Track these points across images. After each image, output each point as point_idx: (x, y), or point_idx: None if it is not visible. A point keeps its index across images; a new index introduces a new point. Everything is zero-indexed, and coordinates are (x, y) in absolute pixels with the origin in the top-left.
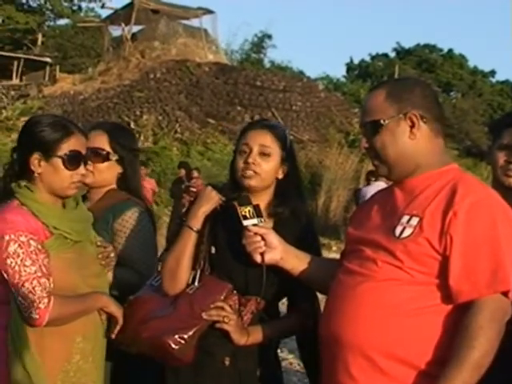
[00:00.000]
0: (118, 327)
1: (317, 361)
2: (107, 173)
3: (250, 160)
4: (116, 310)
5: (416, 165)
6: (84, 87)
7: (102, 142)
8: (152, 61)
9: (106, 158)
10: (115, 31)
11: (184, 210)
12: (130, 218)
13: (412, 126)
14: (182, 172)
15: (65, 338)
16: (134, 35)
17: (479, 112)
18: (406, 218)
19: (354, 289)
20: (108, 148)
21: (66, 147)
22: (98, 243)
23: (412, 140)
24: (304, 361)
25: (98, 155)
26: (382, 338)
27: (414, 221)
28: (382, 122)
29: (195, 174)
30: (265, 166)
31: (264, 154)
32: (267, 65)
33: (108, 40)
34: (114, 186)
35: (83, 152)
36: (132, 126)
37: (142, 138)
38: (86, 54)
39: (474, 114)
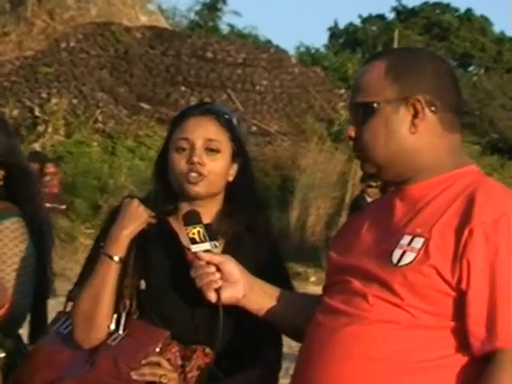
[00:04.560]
0: None
1: None
2: None
3: (195, 159)
4: None
5: (417, 167)
6: None
7: None
8: (64, 24)
9: None
10: None
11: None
12: (6, 229)
13: (415, 116)
14: (35, 167)
15: None
16: None
17: (508, 94)
18: (406, 238)
19: (336, 333)
20: None
21: None
22: None
23: (412, 134)
24: None
25: None
26: None
27: (418, 242)
28: (375, 105)
29: (50, 168)
30: (213, 166)
31: (211, 150)
32: (225, 31)
33: None
34: None
35: None
36: (37, 112)
37: (50, 129)
38: None
39: (500, 97)
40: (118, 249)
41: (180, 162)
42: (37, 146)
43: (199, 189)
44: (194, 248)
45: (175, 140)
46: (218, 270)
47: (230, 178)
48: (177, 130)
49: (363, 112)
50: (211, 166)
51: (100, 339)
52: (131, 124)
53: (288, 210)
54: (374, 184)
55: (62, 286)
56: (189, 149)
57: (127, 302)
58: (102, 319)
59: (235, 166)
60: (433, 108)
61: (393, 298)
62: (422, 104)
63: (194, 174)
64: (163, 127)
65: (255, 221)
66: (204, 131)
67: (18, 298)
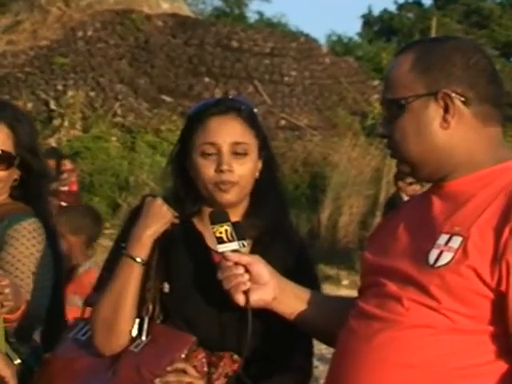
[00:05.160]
0: None
1: None
2: (6, 182)
3: (225, 167)
4: (2, 367)
5: (453, 163)
6: None
7: (4, 140)
8: (80, 12)
9: (11, 164)
10: None
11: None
12: (24, 229)
13: (446, 111)
14: (51, 164)
15: None
16: None
17: None
18: (444, 237)
19: (370, 340)
20: (12, 149)
21: None
22: None
23: (445, 130)
24: None
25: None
26: None
27: (456, 242)
28: (403, 101)
29: (67, 165)
30: (242, 171)
31: (238, 154)
32: (252, 19)
33: None
34: (4, 196)
35: None
36: (52, 105)
37: (66, 123)
38: None
39: None
40: (141, 250)
41: (208, 168)
42: (52, 142)
43: (231, 197)
44: (221, 248)
45: (199, 144)
46: (247, 271)
47: (257, 175)
48: (199, 132)
49: (394, 108)
50: (240, 170)
51: (122, 346)
52: (152, 118)
53: (319, 210)
54: (414, 181)
55: None
56: (215, 154)
57: (150, 306)
58: (124, 324)
59: (260, 162)
60: (465, 101)
61: (429, 302)
62: (451, 98)
63: (225, 183)
64: None
65: (282, 220)
66: (230, 133)
67: (34, 300)
